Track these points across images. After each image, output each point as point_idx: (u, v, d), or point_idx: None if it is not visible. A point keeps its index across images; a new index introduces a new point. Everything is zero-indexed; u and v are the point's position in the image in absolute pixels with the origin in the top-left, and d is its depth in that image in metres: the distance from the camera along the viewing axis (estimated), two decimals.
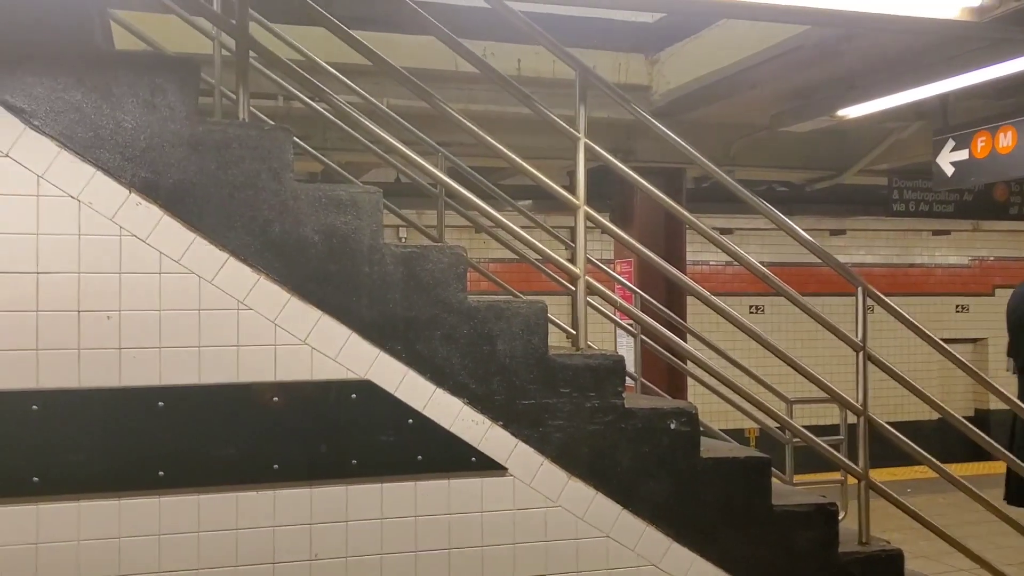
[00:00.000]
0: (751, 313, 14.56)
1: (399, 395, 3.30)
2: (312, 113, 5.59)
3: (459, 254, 3.42)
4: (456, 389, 3.36)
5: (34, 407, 2.98)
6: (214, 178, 3.17)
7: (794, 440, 5.95)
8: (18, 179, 3.00)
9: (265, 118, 4.89)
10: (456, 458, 3.36)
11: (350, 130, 5.06)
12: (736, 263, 4.05)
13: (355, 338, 3.27)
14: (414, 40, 6.51)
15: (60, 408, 3.00)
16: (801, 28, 6.39)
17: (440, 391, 3.35)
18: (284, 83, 5.19)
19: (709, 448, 3.84)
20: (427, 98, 3.75)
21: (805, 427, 4.34)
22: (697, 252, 12.98)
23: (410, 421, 3.30)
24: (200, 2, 3.85)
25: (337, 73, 5.08)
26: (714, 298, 3.93)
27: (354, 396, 3.25)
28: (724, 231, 13.70)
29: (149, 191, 3.10)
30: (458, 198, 3.75)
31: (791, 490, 4.48)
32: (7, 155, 2.99)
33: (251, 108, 3.62)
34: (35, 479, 2.97)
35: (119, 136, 3.09)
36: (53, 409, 2.99)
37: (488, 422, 3.40)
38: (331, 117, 5.32)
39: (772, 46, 6.77)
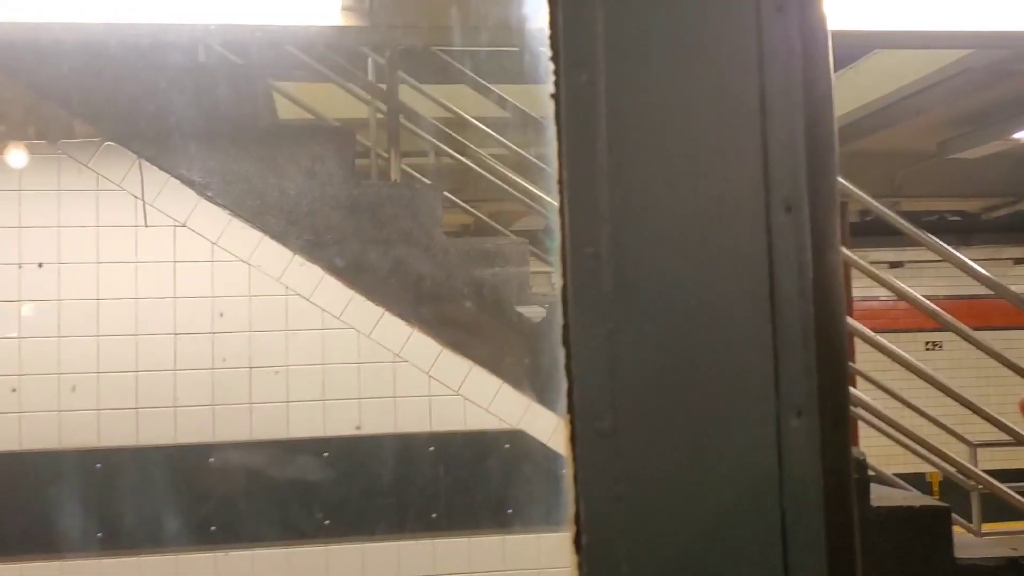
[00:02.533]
0: (927, 350, 13.73)
1: (552, 445, 3.31)
2: (462, 166, 5.75)
3: None
4: None
5: (211, 459, 3.17)
6: (369, 237, 3.31)
7: (979, 487, 5.54)
8: (195, 246, 3.24)
9: (418, 175, 5.08)
10: None
11: (498, 181, 5.17)
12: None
13: (506, 388, 3.31)
14: None
15: (233, 460, 3.18)
16: (967, 51, 6.07)
17: None
18: (434, 140, 5.38)
19: (882, 496, 3.63)
20: None
21: (996, 471, 4.03)
22: (867, 288, 12.41)
23: (565, 471, 3.29)
24: (354, 72, 4.06)
25: (484, 127, 5.22)
26: (878, 337, 3.73)
27: (507, 446, 3.29)
28: (894, 264, 13.05)
29: (311, 252, 3.28)
30: None
31: (978, 542, 4.16)
32: (184, 225, 3.23)
33: (403, 166, 3.78)
34: (212, 528, 3.16)
35: (284, 203, 3.29)
36: (226, 461, 3.18)
37: None
38: (479, 170, 5.46)
39: (936, 71, 6.45)
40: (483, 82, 3.78)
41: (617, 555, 0.78)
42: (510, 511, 3.27)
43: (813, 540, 0.81)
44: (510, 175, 3.85)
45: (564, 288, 0.80)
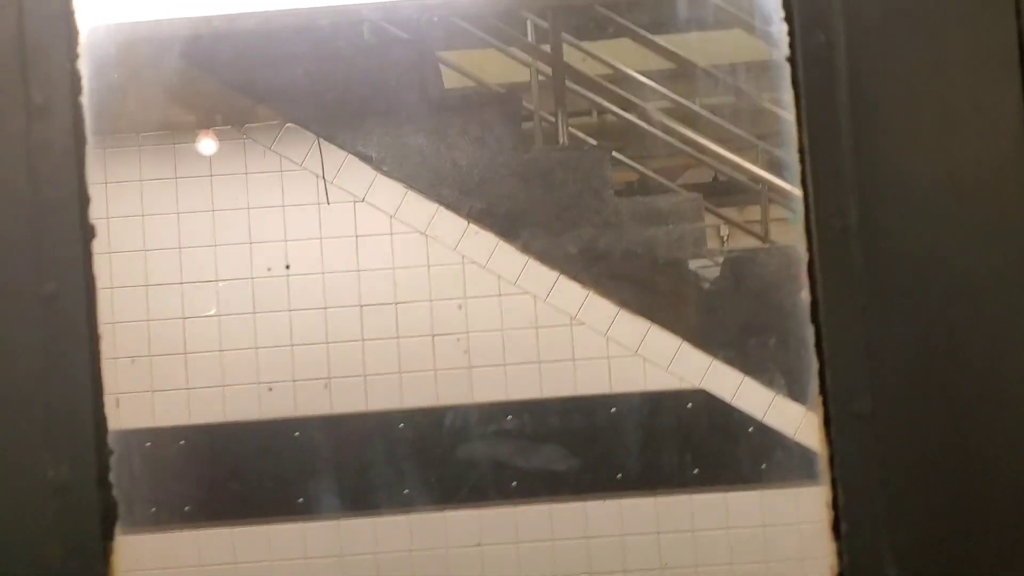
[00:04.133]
0: None
1: (736, 403, 3.24)
2: (626, 123, 5.65)
3: (790, 255, 3.29)
4: (799, 395, 3.24)
5: (400, 426, 3.29)
6: (541, 202, 3.32)
7: None
8: (374, 220, 3.34)
9: (583, 135, 5.04)
10: (803, 467, 3.23)
11: (663, 135, 5.06)
12: None
13: (686, 347, 3.26)
14: (726, 35, 6.37)
15: (421, 425, 3.29)
16: None
17: (780, 398, 3.24)
18: (598, 99, 5.31)
19: None
20: (737, 93, 3.66)
21: None
22: None
23: (750, 429, 3.23)
24: (516, 35, 4.05)
25: (647, 80, 5.10)
26: None
27: (689, 405, 3.24)
28: None
29: (485, 220, 3.32)
30: (781, 192, 3.62)
31: None
32: (363, 200, 3.34)
33: (568, 127, 3.75)
34: (405, 491, 3.28)
35: (456, 173, 3.33)
36: (415, 427, 3.29)
37: None
38: (645, 125, 5.36)
39: None
40: (646, 34, 3.69)
41: (880, 543, 0.75)
42: (696, 471, 3.24)
43: None
44: (677, 127, 3.75)
45: (810, 263, 0.77)
